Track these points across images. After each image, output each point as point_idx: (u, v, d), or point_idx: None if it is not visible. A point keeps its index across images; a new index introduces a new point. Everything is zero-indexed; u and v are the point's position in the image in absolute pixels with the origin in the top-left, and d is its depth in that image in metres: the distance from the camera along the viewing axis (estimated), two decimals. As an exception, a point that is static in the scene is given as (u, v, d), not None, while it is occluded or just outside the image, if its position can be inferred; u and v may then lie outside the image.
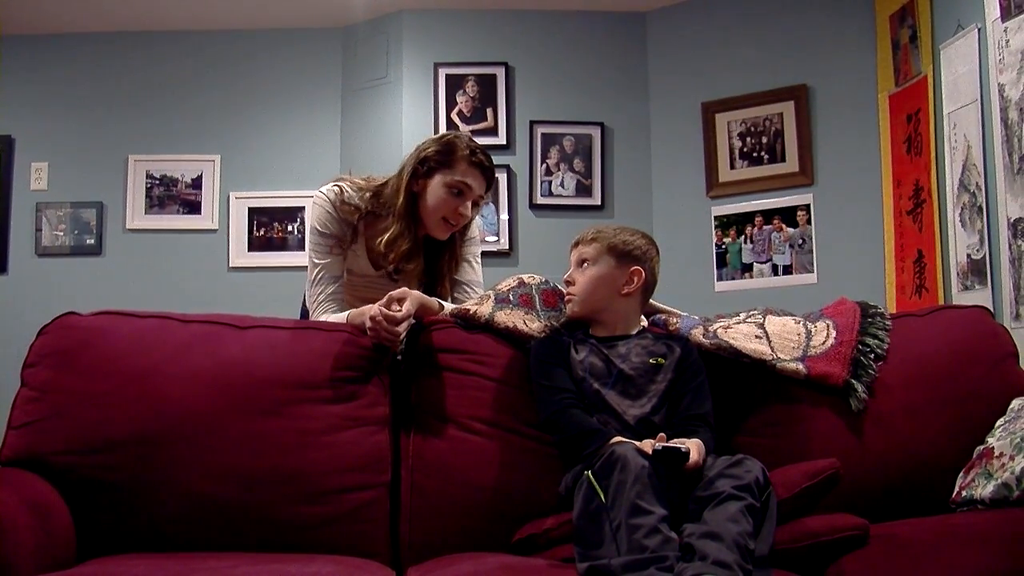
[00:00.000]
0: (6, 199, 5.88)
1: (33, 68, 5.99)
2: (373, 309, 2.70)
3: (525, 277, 2.97)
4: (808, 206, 5.34)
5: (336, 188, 3.12)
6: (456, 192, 3.03)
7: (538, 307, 2.87)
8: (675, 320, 2.88)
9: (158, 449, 2.48)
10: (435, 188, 3.03)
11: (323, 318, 3.02)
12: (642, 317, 2.87)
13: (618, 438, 2.37)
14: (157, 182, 5.95)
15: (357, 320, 2.80)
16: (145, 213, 5.95)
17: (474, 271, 3.29)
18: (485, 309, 2.82)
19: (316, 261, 3.12)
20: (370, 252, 3.16)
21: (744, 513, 2.08)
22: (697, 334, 2.80)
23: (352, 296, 3.23)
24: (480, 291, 3.18)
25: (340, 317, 2.92)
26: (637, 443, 2.26)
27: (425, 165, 3.06)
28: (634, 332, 2.77)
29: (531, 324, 2.80)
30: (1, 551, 1.99)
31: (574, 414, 2.53)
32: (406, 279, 3.13)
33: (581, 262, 2.78)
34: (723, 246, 5.57)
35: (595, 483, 2.17)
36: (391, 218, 3.09)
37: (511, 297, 2.87)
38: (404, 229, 3.05)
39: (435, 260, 3.19)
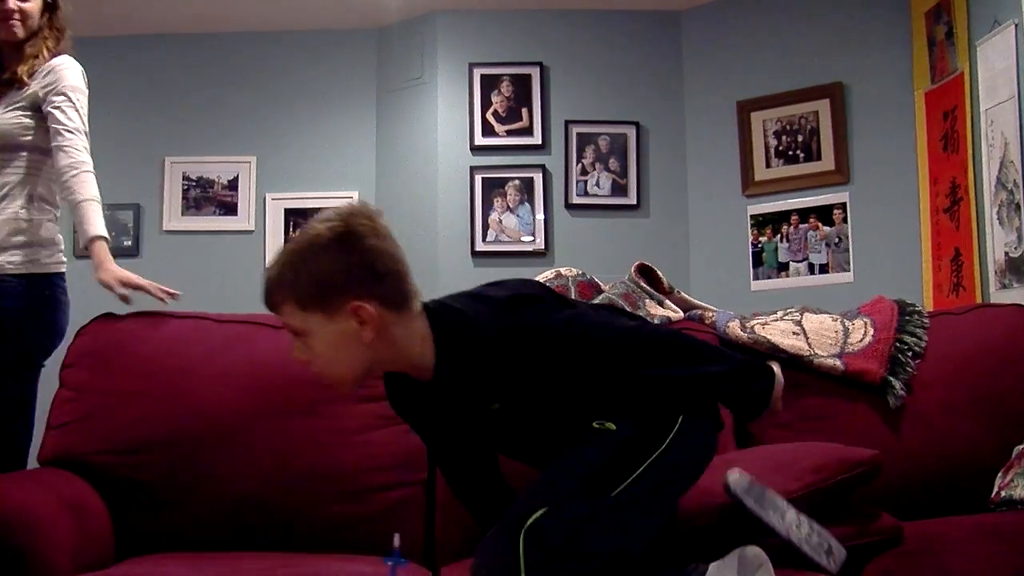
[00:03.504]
0: (45, 202, 5.90)
1: (71, 72, 6.02)
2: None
3: (563, 270, 2.98)
4: (844, 204, 5.30)
5: None
6: None
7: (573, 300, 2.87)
8: (710, 315, 2.87)
9: (195, 449, 2.50)
10: None
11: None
12: (678, 310, 2.85)
13: None
14: (193, 183, 5.98)
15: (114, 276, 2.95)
16: (182, 215, 5.97)
17: (64, 117, 3.15)
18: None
19: None
20: None
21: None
22: (734, 327, 2.79)
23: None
24: (75, 138, 3.12)
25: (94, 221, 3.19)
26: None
27: None
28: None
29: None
30: (40, 551, 2.01)
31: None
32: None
33: (293, 334, 1.95)
34: (759, 245, 5.54)
35: None
36: None
37: (546, 290, 2.87)
38: None
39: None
